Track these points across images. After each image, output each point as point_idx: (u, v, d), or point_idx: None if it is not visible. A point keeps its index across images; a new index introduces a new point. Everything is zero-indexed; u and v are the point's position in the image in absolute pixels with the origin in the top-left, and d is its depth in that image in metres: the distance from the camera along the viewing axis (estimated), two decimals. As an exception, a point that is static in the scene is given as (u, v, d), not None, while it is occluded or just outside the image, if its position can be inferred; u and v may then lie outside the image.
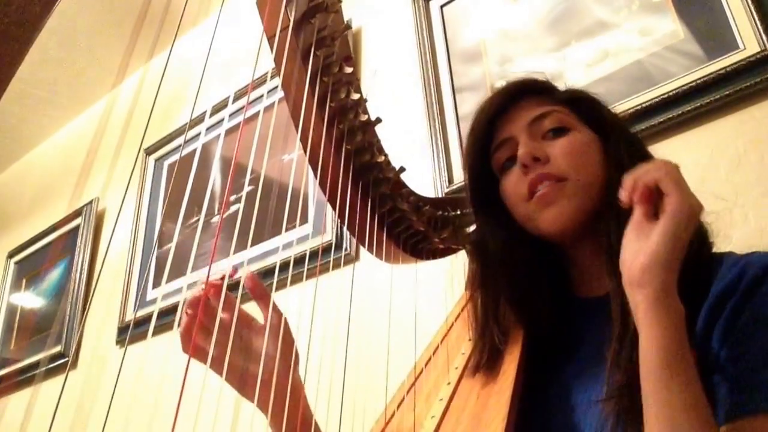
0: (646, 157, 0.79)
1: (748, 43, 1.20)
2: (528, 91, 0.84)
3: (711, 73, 1.22)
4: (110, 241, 2.62)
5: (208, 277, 0.70)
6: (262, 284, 0.79)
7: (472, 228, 1.04)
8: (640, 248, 0.57)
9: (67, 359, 2.37)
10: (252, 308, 0.81)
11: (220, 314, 0.76)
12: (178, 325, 0.79)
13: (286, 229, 1.75)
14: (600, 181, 0.76)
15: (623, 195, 0.60)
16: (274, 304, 0.79)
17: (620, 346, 0.63)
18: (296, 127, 0.73)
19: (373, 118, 0.82)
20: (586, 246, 0.78)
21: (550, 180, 0.76)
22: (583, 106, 0.83)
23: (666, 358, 0.54)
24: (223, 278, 0.75)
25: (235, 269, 0.76)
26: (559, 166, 0.76)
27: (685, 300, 0.61)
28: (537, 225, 0.78)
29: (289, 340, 0.80)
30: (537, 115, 0.80)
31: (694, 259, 0.65)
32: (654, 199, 0.58)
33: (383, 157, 0.84)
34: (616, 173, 0.73)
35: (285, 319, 0.80)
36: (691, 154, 1.21)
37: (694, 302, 0.63)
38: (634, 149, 0.78)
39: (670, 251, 0.55)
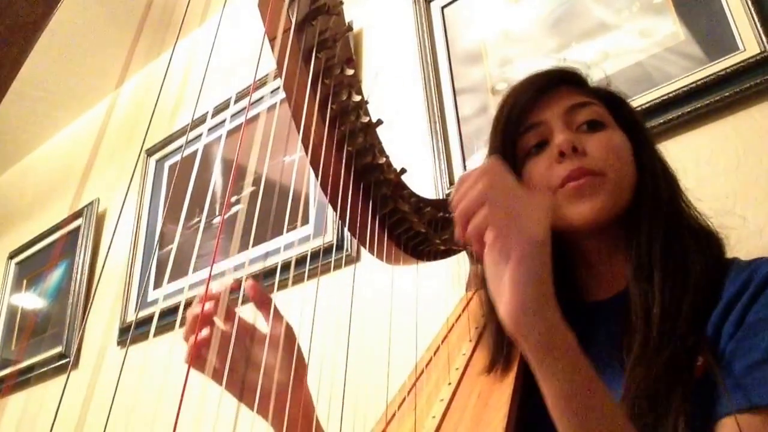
0: (666, 166, 0.79)
1: (748, 45, 1.20)
2: (566, 81, 0.82)
3: (711, 75, 1.22)
4: (111, 242, 2.63)
5: (207, 284, 0.68)
6: (264, 292, 0.77)
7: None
8: (501, 295, 0.53)
9: (68, 360, 2.38)
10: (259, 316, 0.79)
11: (221, 326, 0.74)
12: (180, 326, 0.79)
13: (288, 230, 1.76)
14: (632, 182, 0.75)
15: (457, 233, 0.55)
16: (277, 312, 0.77)
17: (641, 354, 0.63)
18: (298, 129, 0.74)
19: (374, 120, 0.82)
20: (602, 244, 0.77)
21: (589, 175, 0.73)
22: (618, 106, 0.81)
23: (571, 404, 0.52)
24: (228, 289, 0.73)
25: (238, 282, 0.73)
26: (597, 162, 0.74)
27: (698, 307, 0.62)
28: (566, 216, 0.74)
29: (295, 349, 0.77)
30: (576, 103, 0.77)
31: (711, 268, 0.65)
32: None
33: (384, 159, 0.84)
34: (650, 179, 0.75)
35: (290, 328, 0.78)
36: (690, 156, 1.22)
37: (705, 308, 0.63)
38: (659, 156, 0.78)
39: (534, 295, 0.52)
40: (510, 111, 0.81)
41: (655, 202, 0.73)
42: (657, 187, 0.74)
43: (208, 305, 0.72)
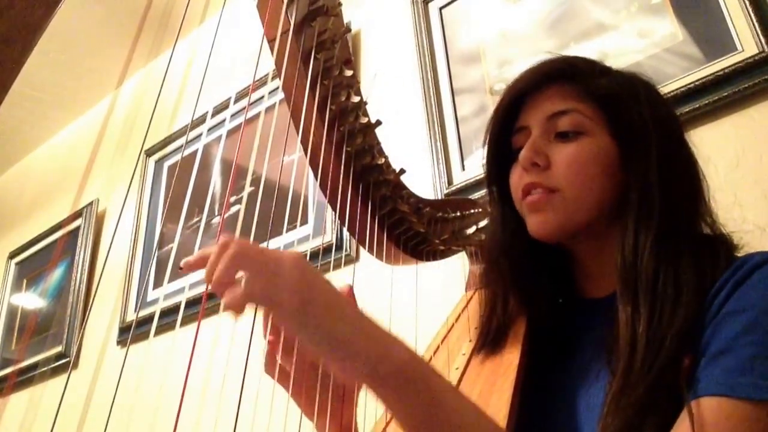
0: (684, 169, 0.75)
1: (746, 45, 1.21)
2: (560, 76, 0.79)
3: (709, 75, 1.23)
4: (111, 242, 2.63)
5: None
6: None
7: (472, 230, 1.04)
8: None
9: (68, 359, 2.38)
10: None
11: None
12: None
13: (287, 230, 1.76)
14: (603, 191, 0.73)
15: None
16: None
17: (623, 384, 0.62)
18: (297, 130, 0.74)
19: (373, 121, 0.82)
20: (589, 247, 0.77)
21: (542, 189, 0.74)
22: (613, 107, 0.76)
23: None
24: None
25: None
26: (556, 177, 0.74)
27: (685, 333, 0.61)
28: (527, 225, 0.77)
29: None
30: (556, 111, 0.76)
31: (705, 290, 0.63)
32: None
33: (383, 159, 0.84)
34: (638, 189, 0.71)
35: None
36: (689, 156, 1.22)
37: (694, 322, 0.62)
38: (668, 162, 0.72)
39: (331, 334, 0.51)
40: (498, 112, 0.82)
41: (644, 214, 0.70)
42: (646, 197, 0.70)
43: None
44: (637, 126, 0.74)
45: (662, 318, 0.63)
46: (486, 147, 0.85)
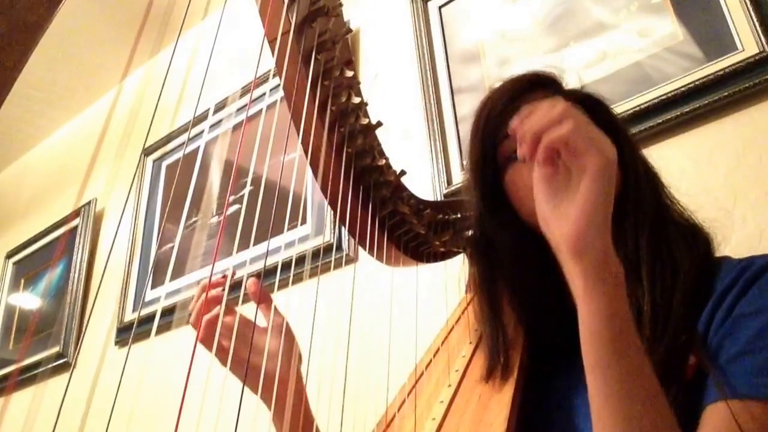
0: (647, 165, 0.79)
1: (746, 45, 1.20)
2: (540, 85, 0.81)
3: (710, 75, 1.22)
4: (113, 242, 2.62)
5: (209, 281, 0.71)
6: (265, 290, 0.85)
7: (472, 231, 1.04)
8: (565, 213, 0.54)
9: (65, 360, 2.37)
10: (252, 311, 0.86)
11: (221, 313, 0.83)
12: (177, 327, 0.81)
13: (285, 230, 1.75)
14: (616, 182, 0.75)
15: (521, 150, 0.56)
16: (275, 307, 0.85)
17: None
18: (297, 131, 0.73)
19: (373, 122, 0.82)
20: None
21: None
22: (594, 107, 0.79)
23: (614, 326, 0.53)
24: (224, 278, 0.82)
25: (234, 271, 0.81)
26: None
27: (689, 304, 0.62)
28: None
29: (290, 339, 0.86)
30: None
31: (699, 263, 0.66)
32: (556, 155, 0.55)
33: (384, 161, 0.84)
34: (633, 178, 0.75)
35: (287, 321, 0.86)
36: (689, 156, 1.22)
37: (696, 306, 0.64)
38: (640, 157, 0.79)
39: (603, 213, 0.53)
40: (487, 118, 0.81)
41: (639, 201, 0.73)
42: (639, 185, 0.74)
43: (215, 291, 0.82)
44: (616, 125, 0.79)
45: (664, 290, 0.65)
46: (474, 161, 0.82)
